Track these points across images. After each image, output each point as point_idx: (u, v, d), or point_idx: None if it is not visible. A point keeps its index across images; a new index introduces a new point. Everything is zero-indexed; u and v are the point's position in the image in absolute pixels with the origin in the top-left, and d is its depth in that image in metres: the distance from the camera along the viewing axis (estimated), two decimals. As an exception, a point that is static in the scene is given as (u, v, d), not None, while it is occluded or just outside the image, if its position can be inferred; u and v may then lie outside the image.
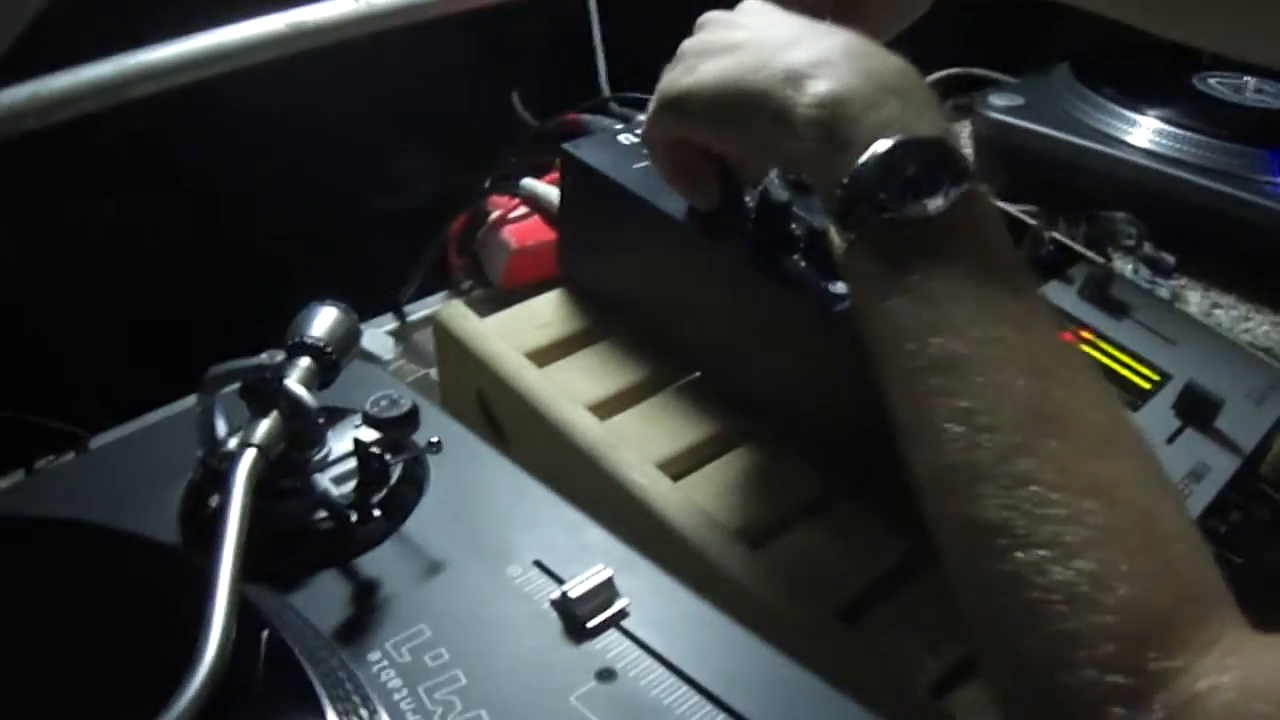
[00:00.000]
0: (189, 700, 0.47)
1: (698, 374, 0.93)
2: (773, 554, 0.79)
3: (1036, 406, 0.60)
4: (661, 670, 0.59)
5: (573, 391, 0.89)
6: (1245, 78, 1.50)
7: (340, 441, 0.68)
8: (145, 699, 0.47)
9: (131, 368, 1.14)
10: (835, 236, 0.67)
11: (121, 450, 0.76)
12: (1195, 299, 1.32)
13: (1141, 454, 0.61)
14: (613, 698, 0.57)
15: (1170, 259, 1.31)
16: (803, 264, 0.83)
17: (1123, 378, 0.86)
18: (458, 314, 0.95)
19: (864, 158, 0.64)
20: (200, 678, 0.48)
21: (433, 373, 1.13)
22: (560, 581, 0.62)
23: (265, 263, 1.28)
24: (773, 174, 0.87)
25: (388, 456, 0.66)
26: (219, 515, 0.56)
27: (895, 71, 0.69)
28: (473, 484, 0.70)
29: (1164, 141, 1.37)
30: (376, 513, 0.65)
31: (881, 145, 0.64)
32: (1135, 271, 1.27)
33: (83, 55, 1.04)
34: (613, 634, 0.60)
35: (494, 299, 1.22)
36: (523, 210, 1.24)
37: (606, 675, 0.58)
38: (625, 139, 0.96)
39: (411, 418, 0.66)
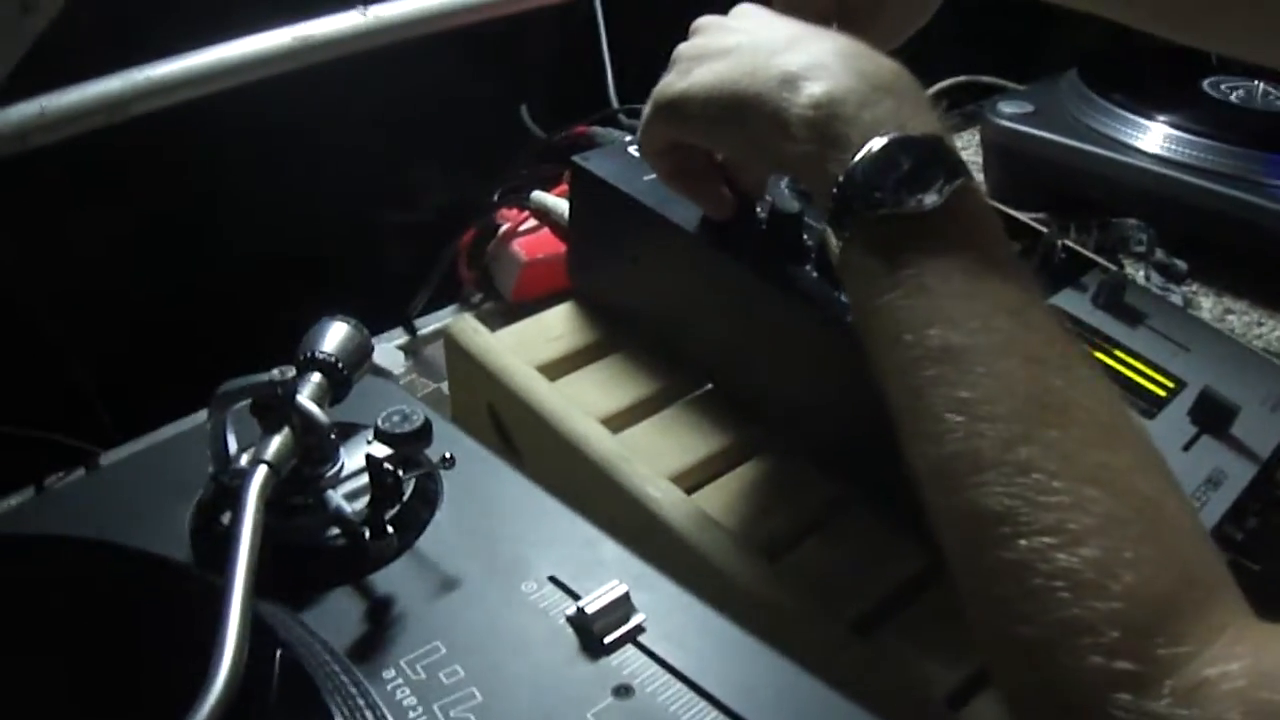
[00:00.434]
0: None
1: (710, 386, 0.93)
2: (787, 566, 0.79)
3: (1036, 395, 0.60)
4: (679, 686, 0.58)
5: (585, 405, 0.89)
6: (1255, 82, 1.50)
7: (353, 457, 0.68)
8: (159, 719, 0.47)
9: (143, 383, 1.14)
10: (831, 238, 0.67)
11: (133, 467, 0.76)
12: (1208, 304, 1.31)
13: (1141, 443, 0.61)
14: (630, 714, 0.57)
15: (1182, 265, 1.30)
16: (814, 274, 0.82)
17: (1138, 385, 0.86)
18: (468, 328, 0.95)
19: (859, 156, 0.64)
20: (214, 697, 0.48)
21: (444, 387, 1.12)
22: (576, 597, 0.62)
23: (275, 277, 1.28)
24: (783, 184, 0.87)
25: (400, 472, 0.66)
26: (231, 533, 0.56)
27: (889, 73, 0.69)
28: (486, 499, 0.69)
29: (1174, 147, 1.36)
30: (389, 529, 0.64)
31: (876, 143, 0.64)
32: (1147, 278, 1.27)
33: (90, 71, 1.04)
34: (629, 650, 0.60)
35: (505, 312, 1.22)
36: (532, 223, 1.24)
37: (624, 691, 0.58)
38: (634, 150, 0.95)
39: (424, 433, 0.66)
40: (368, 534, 0.64)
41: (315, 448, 0.65)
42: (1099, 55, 1.57)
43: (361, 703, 0.55)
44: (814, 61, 0.69)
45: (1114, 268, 0.94)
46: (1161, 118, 1.40)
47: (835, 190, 0.65)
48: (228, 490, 0.63)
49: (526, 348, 0.95)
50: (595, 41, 1.40)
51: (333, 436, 0.65)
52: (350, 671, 0.57)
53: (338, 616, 0.62)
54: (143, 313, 1.21)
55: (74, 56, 1.03)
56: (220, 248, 1.26)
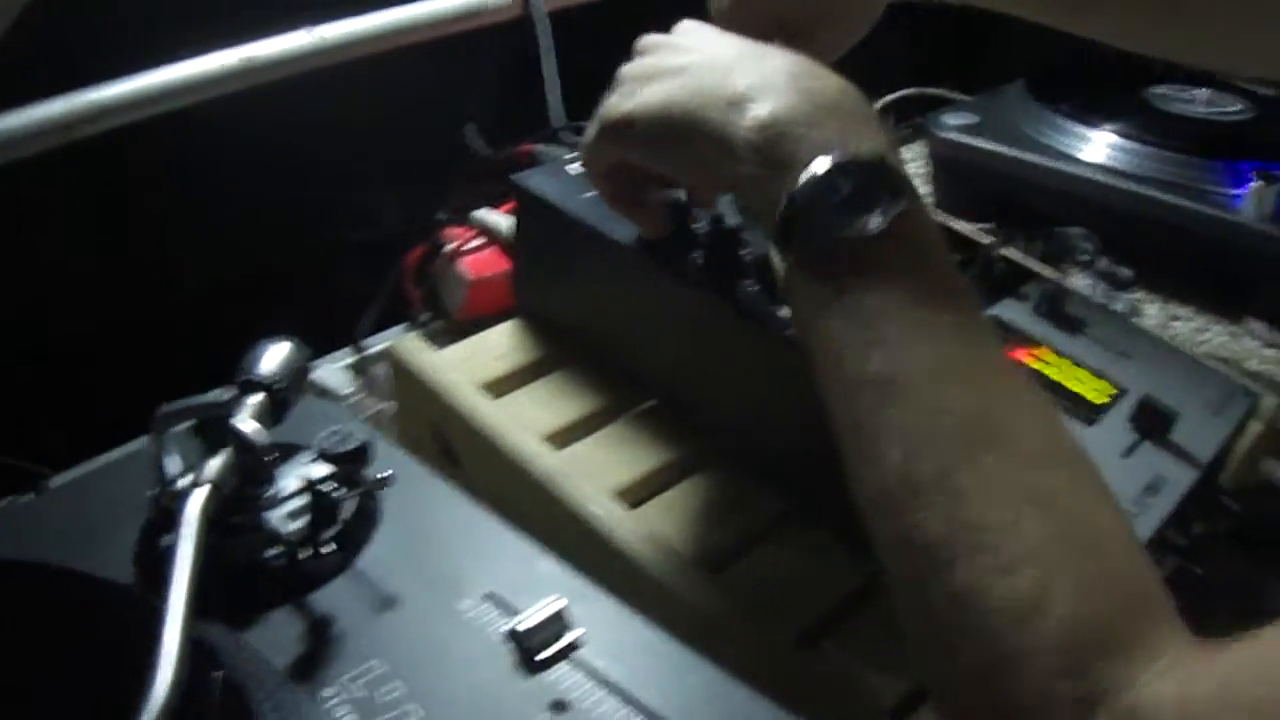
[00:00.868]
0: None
1: (653, 401, 0.93)
2: (731, 580, 0.79)
3: (973, 420, 0.60)
4: (615, 700, 0.59)
5: (528, 422, 0.90)
6: (1197, 90, 1.51)
7: (293, 477, 0.68)
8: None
9: (95, 403, 1.13)
10: (775, 259, 0.67)
11: (79, 490, 0.76)
12: (1153, 311, 1.32)
13: (1080, 464, 0.61)
14: (566, 729, 0.57)
15: (1128, 272, 1.31)
16: (754, 289, 0.83)
17: (1078, 394, 0.86)
18: (413, 347, 0.95)
19: (802, 179, 0.64)
20: (151, 718, 0.48)
21: (392, 406, 1.12)
22: (513, 613, 0.62)
23: (225, 297, 1.27)
24: (726, 199, 0.88)
25: (340, 492, 0.66)
26: (171, 553, 0.56)
27: (835, 91, 0.69)
28: (425, 517, 0.70)
29: (1118, 156, 1.37)
30: (328, 548, 0.65)
31: (820, 165, 0.64)
32: (1093, 286, 1.27)
33: (35, 94, 1.04)
34: (565, 666, 0.60)
35: (453, 330, 1.22)
36: (479, 241, 1.23)
37: (559, 707, 0.58)
38: (575, 169, 0.96)
39: (363, 453, 0.67)
40: (307, 553, 0.64)
41: (255, 468, 0.65)
42: (1045, 66, 1.58)
43: (301, 722, 0.55)
44: (761, 81, 0.69)
45: (1054, 277, 0.94)
46: (1106, 127, 1.41)
47: (780, 212, 0.65)
48: (169, 512, 0.63)
49: (471, 366, 0.95)
50: (540, 60, 1.40)
51: (272, 457, 0.65)
52: (291, 690, 0.57)
53: (278, 635, 0.62)
54: (94, 331, 1.21)
55: (17, 79, 1.03)
56: (170, 267, 1.26)
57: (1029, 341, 0.89)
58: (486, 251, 1.22)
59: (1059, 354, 0.89)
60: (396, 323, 1.27)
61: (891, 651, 0.74)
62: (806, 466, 0.82)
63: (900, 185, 0.65)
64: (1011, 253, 1.06)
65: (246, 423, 0.63)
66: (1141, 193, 1.33)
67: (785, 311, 0.80)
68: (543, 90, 1.41)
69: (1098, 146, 1.39)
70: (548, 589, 0.63)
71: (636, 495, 0.85)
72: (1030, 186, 1.40)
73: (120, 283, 1.22)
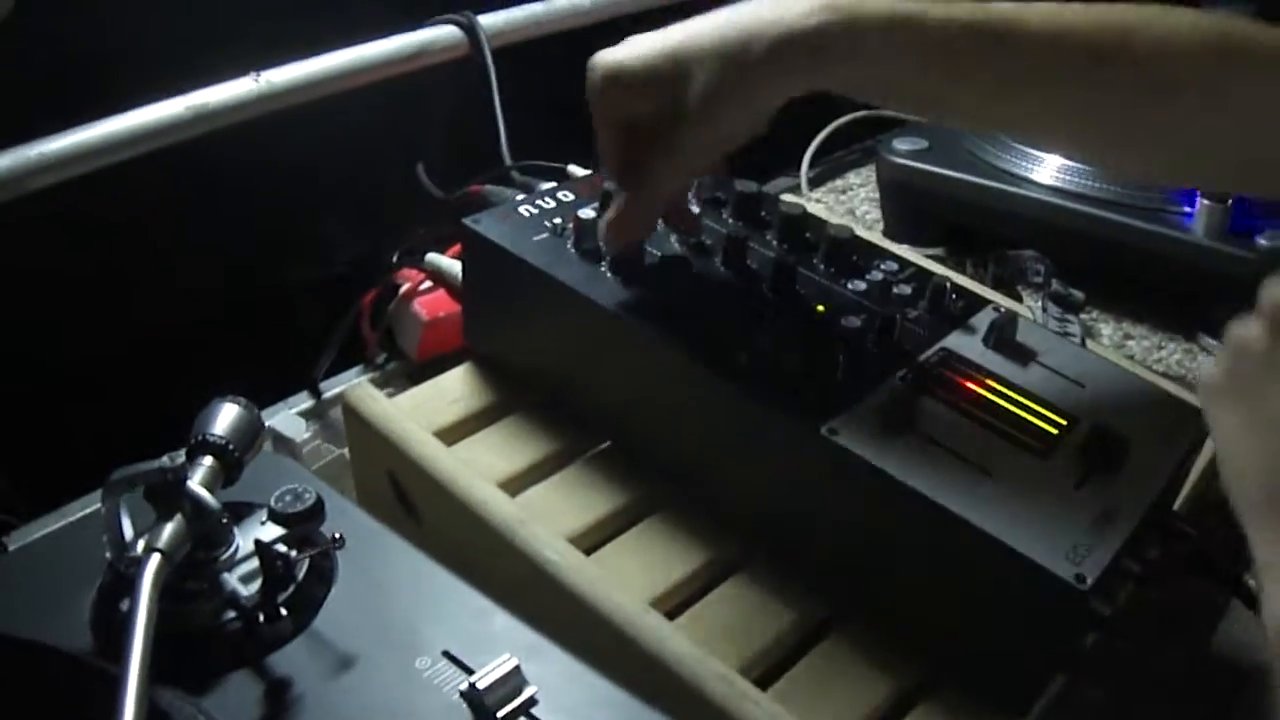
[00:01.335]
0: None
1: (607, 443, 0.93)
2: (688, 622, 0.80)
3: None
4: (571, 756, 0.59)
5: (483, 468, 0.90)
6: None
7: (248, 537, 0.68)
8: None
9: (50, 457, 1.13)
10: None
11: (36, 553, 0.76)
12: (1108, 331, 1.34)
13: None
14: (522, 787, 0.57)
15: (1079, 295, 1.32)
16: (703, 323, 0.84)
17: (1030, 424, 0.86)
18: (366, 395, 0.95)
19: None
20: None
21: (348, 451, 1.12)
22: (469, 671, 0.62)
23: (181, 341, 1.28)
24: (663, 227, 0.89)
25: (293, 553, 0.66)
26: (126, 621, 0.56)
27: None
28: (380, 575, 0.70)
29: (1068, 177, 1.38)
30: (284, 610, 0.65)
31: None
32: (1045, 309, 1.28)
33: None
34: (522, 723, 0.61)
35: (409, 372, 1.23)
36: (432, 283, 1.24)
37: (517, 764, 0.58)
38: (525, 210, 0.96)
39: (316, 511, 0.67)
40: (263, 617, 0.64)
41: (208, 533, 0.65)
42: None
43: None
44: None
45: (1003, 306, 0.94)
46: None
47: None
48: (124, 577, 0.63)
49: (424, 412, 0.95)
50: (489, 99, 1.41)
51: (225, 520, 0.65)
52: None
53: (236, 700, 0.62)
54: (50, 374, 1.21)
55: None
56: (126, 314, 1.26)
57: (980, 373, 0.89)
58: (440, 292, 1.22)
59: (1010, 385, 0.89)
60: (353, 364, 1.27)
61: (846, 690, 0.75)
62: (761, 505, 0.83)
63: None
64: (962, 278, 1.07)
65: (199, 488, 0.63)
66: (1092, 213, 1.34)
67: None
68: (491, 129, 1.41)
69: (1047, 168, 1.40)
70: (502, 646, 0.63)
71: (591, 540, 0.86)
72: (981, 210, 1.41)
73: (76, 324, 1.22)
